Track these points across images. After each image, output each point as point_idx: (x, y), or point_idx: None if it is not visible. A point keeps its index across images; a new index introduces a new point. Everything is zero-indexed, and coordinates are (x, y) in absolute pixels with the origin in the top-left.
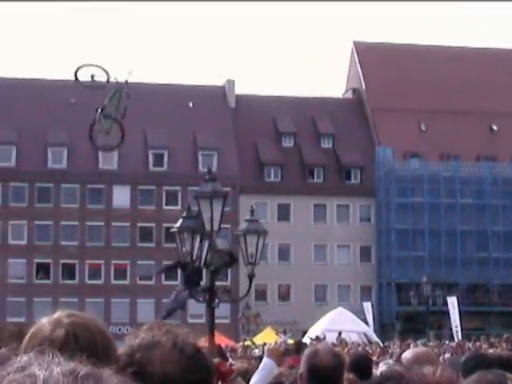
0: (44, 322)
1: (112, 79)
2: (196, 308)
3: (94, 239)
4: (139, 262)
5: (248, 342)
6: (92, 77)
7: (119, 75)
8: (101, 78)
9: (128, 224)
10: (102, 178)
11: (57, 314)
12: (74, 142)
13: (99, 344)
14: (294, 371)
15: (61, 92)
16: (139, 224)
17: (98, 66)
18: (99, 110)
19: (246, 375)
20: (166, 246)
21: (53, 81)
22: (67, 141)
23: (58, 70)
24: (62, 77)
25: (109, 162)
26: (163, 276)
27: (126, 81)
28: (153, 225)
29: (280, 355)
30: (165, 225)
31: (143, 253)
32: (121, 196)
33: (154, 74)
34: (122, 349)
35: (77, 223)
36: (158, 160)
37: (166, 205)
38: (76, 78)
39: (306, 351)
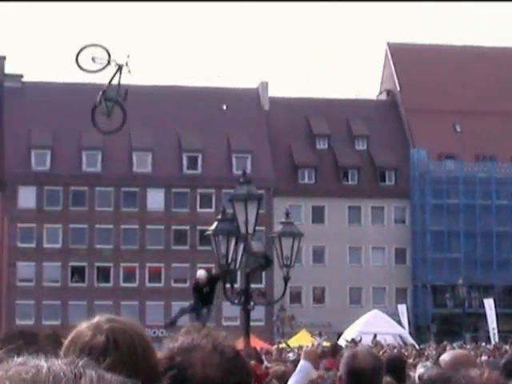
0: (83, 327)
1: (112, 62)
2: (230, 311)
3: (128, 242)
4: (173, 265)
5: (283, 345)
6: (93, 59)
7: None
8: (101, 60)
9: (162, 227)
10: (136, 181)
11: (96, 319)
12: (108, 146)
13: (139, 349)
14: (332, 374)
15: (95, 95)
16: (173, 227)
17: (98, 45)
18: (100, 93)
19: (283, 378)
20: (201, 248)
21: (86, 84)
22: (101, 144)
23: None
24: (95, 80)
25: (143, 165)
26: None
27: (126, 62)
28: (187, 227)
29: (317, 358)
30: (199, 227)
31: (177, 255)
32: (155, 199)
33: (188, 77)
34: (161, 352)
35: (111, 226)
36: (192, 163)
37: (200, 207)
38: (77, 64)
39: (345, 353)
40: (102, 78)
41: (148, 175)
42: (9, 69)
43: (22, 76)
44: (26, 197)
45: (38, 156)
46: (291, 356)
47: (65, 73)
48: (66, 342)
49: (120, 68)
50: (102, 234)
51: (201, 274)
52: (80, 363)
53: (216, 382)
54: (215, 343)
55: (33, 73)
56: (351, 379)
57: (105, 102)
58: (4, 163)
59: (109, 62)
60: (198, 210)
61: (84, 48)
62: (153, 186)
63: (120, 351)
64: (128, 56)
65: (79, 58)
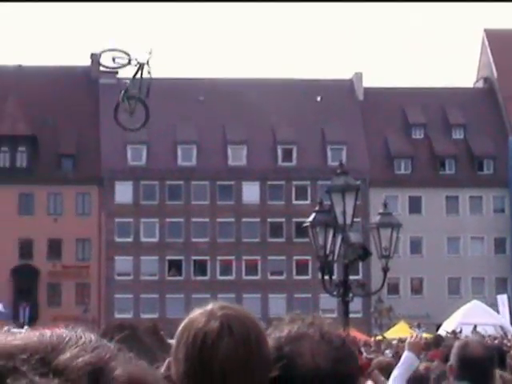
0: (197, 314)
1: (133, 60)
2: (328, 303)
3: (224, 235)
4: (270, 258)
5: (380, 337)
6: (113, 59)
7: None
8: (122, 60)
9: (258, 220)
10: (232, 174)
11: (210, 306)
12: (204, 140)
13: (253, 336)
14: (441, 364)
15: (189, 90)
16: (269, 219)
17: (118, 49)
18: (122, 92)
19: (387, 369)
20: (297, 240)
21: (181, 79)
22: (196, 138)
23: (185, 68)
24: (189, 75)
25: (238, 158)
26: (294, 271)
27: (148, 60)
28: (282, 220)
29: (421, 349)
30: (294, 219)
31: (274, 248)
32: (250, 192)
33: (281, 69)
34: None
35: (207, 220)
36: (287, 155)
37: (296, 200)
38: (99, 63)
39: (457, 343)
40: (196, 73)
41: (243, 168)
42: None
43: (117, 72)
44: (123, 192)
45: (134, 151)
46: (389, 353)
47: (159, 68)
48: (179, 329)
49: (141, 66)
50: (198, 228)
51: None
52: (79, 329)
53: (325, 370)
54: (322, 332)
55: (128, 69)
56: (463, 368)
57: (127, 100)
58: (101, 159)
59: (129, 61)
60: (294, 202)
61: (104, 51)
62: (248, 178)
63: (234, 338)
64: (149, 53)
65: (101, 58)
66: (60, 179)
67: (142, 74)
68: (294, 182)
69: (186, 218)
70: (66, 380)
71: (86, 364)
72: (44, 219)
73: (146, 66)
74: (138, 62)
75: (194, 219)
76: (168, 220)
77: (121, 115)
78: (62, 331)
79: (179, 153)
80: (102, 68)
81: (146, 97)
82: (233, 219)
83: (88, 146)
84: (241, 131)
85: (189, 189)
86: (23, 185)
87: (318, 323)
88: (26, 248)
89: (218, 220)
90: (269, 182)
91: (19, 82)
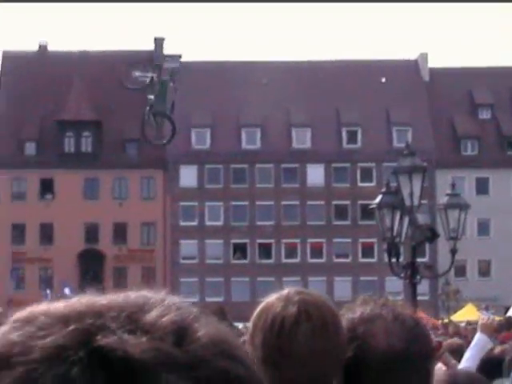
0: (273, 298)
1: (156, 78)
2: (393, 285)
3: (289, 218)
4: (335, 240)
5: (446, 320)
6: (137, 78)
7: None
8: (144, 78)
9: (323, 202)
10: (296, 157)
11: (286, 291)
12: (268, 123)
13: (330, 321)
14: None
15: (253, 73)
16: (334, 202)
17: (141, 69)
18: (147, 108)
19: (459, 351)
20: (362, 223)
21: (244, 62)
22: (260, 121)
23: (248, 51)
24: (253, 58)
25: (302, 140)
26: (360, 253)
27: (172, 77)
28: (348, 202)
29: (493, 331)
30: (360, 202)
31: (339, 231)
32: (315, 174)
33: (346, 50)
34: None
35: (272, 203)
36: (352, 137)
37: (361, 182)
38: (122, 82)
39: None
40: (259, 56)
41: (307, 151)
42: (168, 49)
43: (180, 56)
44: (188, 176)
45: (198, 135)
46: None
47: (222, 51)
48: (255, 313)
49: (165, 83)
50: (263, 211)
51: None
52: (162, 292)
53: (399, 351)
54: (395, 313)
55: (191, 53)
56: None
57: (153, 117)
58: None
59: (152, 79)
60: (359, 184)
61: (129, 69)
62: (312, 161)
63: (311, 323)
64: (172, 72)
65: (123, 80)
66: (125, 164)
67: (165, 91)
68: (359, 164)
69: (250, 202)
70: (153, 338)
71: (172, 323)
72: (109, 204)
73: (169, 83)
74: (162, 80)
75: (258, 202)
76: (233, 203)
77: (147, 130)
78: (145, 293)
79: (243, 136)
80: (129, 85)
81: (171, 112)
82: (297, 202)
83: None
84: (305, 114)
85: (253, 172)
86: (88, 170)
87: (390, 304)
88: (91, 232)
89: (283, 203)
90: (333, 165)
91: (83, 67)
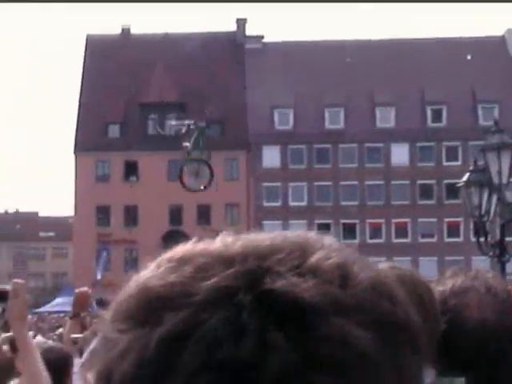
0: None
1: (193, 125)
2: (480, 265)
3: (373, 198)
4: (420, 220)
5: None
6: (173, 126)
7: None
8: (181, 126)
9: (407, 182)
10: (380, 136)
11: (379, 267)
12: (351, 102)
13: (425, 296)
14: None
15: (336, 52)
16: (419, 181)
17: (178, 117)
18: (185, 154)
19: None
20: (447, 202)
21: (327, 42)
22: (344, 101)
23: (330, 30)
24: (335, 37)
25: (386, 120)
26: (445, 233)
27: (207, 124)
28: (433, 182)
29: None
30: (445, 181)
31: (424, 210)
32: (399, 154)
33: (430, 28)
34: None
35: (356, 183)
36: (437, 115)
37: (446, 161)
38: (158, 131)
39: None
40: (350, 36)
41: (391, 130)
42: (249, 31)
43: (262, 37)
44: (271, 156)
45: (280, 115)
46: None
47: (304, 32)
48: None
49: (202, 130)
50: (347, 191)
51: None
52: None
53: (491, 323)
54: (488, 285)
55: (273, 33)
56: None
57: (191, 163)
58: (248, 124)
59: (189, 126)
60: (444, 163)
61: (167, 119)
62: (396, 140)
63: (407, 297)
64: (207, 125)
65: (159, 129)
66: (208, 145)
67: (203, 137)
68: (445, 143)
69: (334, 182)
70: (321, 281)
71: (337, 265)
72: None
73: (205, 130)
74: (198, 127)
75: (342, 182)
76: (316, 184)
77: (186, 177)
78: (301, 233)
79: (326, 116)
80: (165, 133)
81: (209, 159)
82: (382, 182)
83: (235, 112)
84: (389, 93)
85: (337, 152)
86: (172, 151)
87: (482, 277)
88: (175, 214)
89: (367, 183)
90: (418, 144)
91: (166, 49)
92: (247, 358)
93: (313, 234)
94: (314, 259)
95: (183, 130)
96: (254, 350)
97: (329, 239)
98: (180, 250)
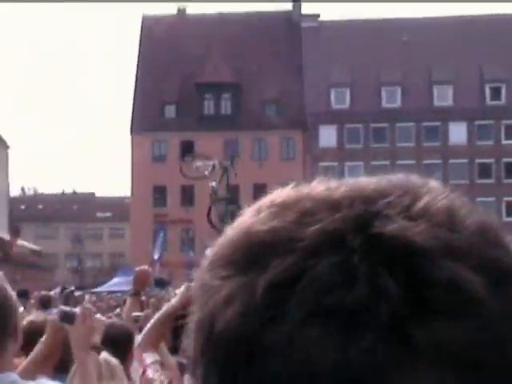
0: None
1: (217, 165)
2: None
3: (431, 177)
4: (478, 199)
5: None
6: (197, 168)
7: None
8: (207, 167)
9: (466, 161)
10: (437, 115)
11: None
12: (408, 81)
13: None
14: None
15: (393, 31)
16: (477, 160)
17: (203, 157)
18: (212, 194)
19: None
20: (506, 181)
21: (383, 20)
22: (401, 80)
23: (387, 8)
24: (392, 15)
25: (444, 98)
26: (504, 212)
27: (231, 164)
28: (491, 160)
29: None
30: (504, 160)
31: (482, 189)
32: (457, 132)
33: (487, 6)
34: None
35: (413, 162)
36: (496, 94)
37: (505, 139)
38: (182, 173)
39: None
40: (407, 14)
41: (449, 108)
42: (305, 9)
43: (318, 16)
44: (327, 136)
45: (337, 94)
46: None
47: (360, 10)
48: None
49: (226, 169)
50: (404, 170)
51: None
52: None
53: None
54: None
55: (329, 12)
56: None
57: (217, 202)
58: (304, 103)
59: (213, 167)
60: (503, 142)
61: (186, 160)
62: (454, 119)
63: None
64: (232, 161)
65: (182, 169)
66: (264, 125)
67: (228, 176)
68: (504, 122)
69: (391, 161)
70: (431, 224)
71: (445, 209)
72: (249, 165)
73: (230, 168)
74: (222, 166)
75: (399, 161)
76: (373, 163)
77: (213, 215)
78: (404, 176)
79: (383, 95)
80: (192, 175)
81: (233, 197)
82: (439, 161)
83: (291, 91)
84: (447, 70)
85: (393, 131)
86: (228, 131)
87: None
88: (231, 193)
89: (424, 162)
90: (476, 122)
91: (221, 29)
92: (358, 303)
93: (417, 178)
94: (422, 203)
95: (208, 170)
96: (365, 295)
97: (434, 182)
98: (280, 194)
